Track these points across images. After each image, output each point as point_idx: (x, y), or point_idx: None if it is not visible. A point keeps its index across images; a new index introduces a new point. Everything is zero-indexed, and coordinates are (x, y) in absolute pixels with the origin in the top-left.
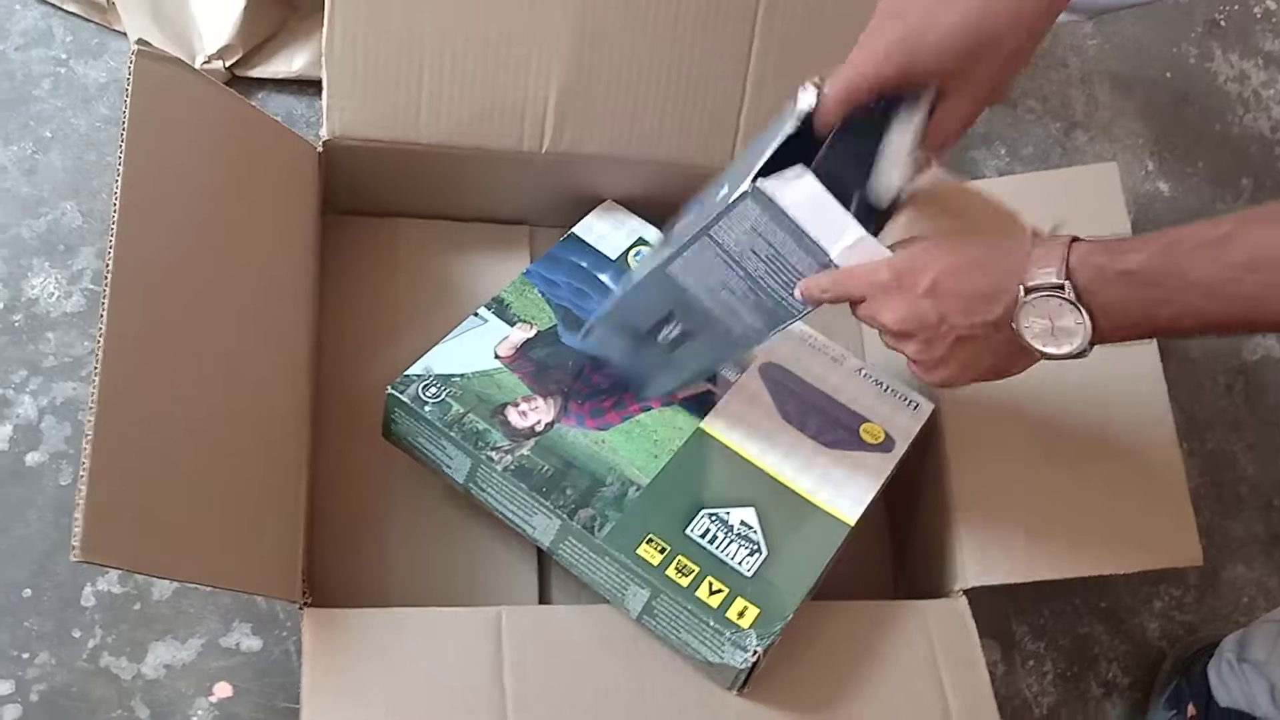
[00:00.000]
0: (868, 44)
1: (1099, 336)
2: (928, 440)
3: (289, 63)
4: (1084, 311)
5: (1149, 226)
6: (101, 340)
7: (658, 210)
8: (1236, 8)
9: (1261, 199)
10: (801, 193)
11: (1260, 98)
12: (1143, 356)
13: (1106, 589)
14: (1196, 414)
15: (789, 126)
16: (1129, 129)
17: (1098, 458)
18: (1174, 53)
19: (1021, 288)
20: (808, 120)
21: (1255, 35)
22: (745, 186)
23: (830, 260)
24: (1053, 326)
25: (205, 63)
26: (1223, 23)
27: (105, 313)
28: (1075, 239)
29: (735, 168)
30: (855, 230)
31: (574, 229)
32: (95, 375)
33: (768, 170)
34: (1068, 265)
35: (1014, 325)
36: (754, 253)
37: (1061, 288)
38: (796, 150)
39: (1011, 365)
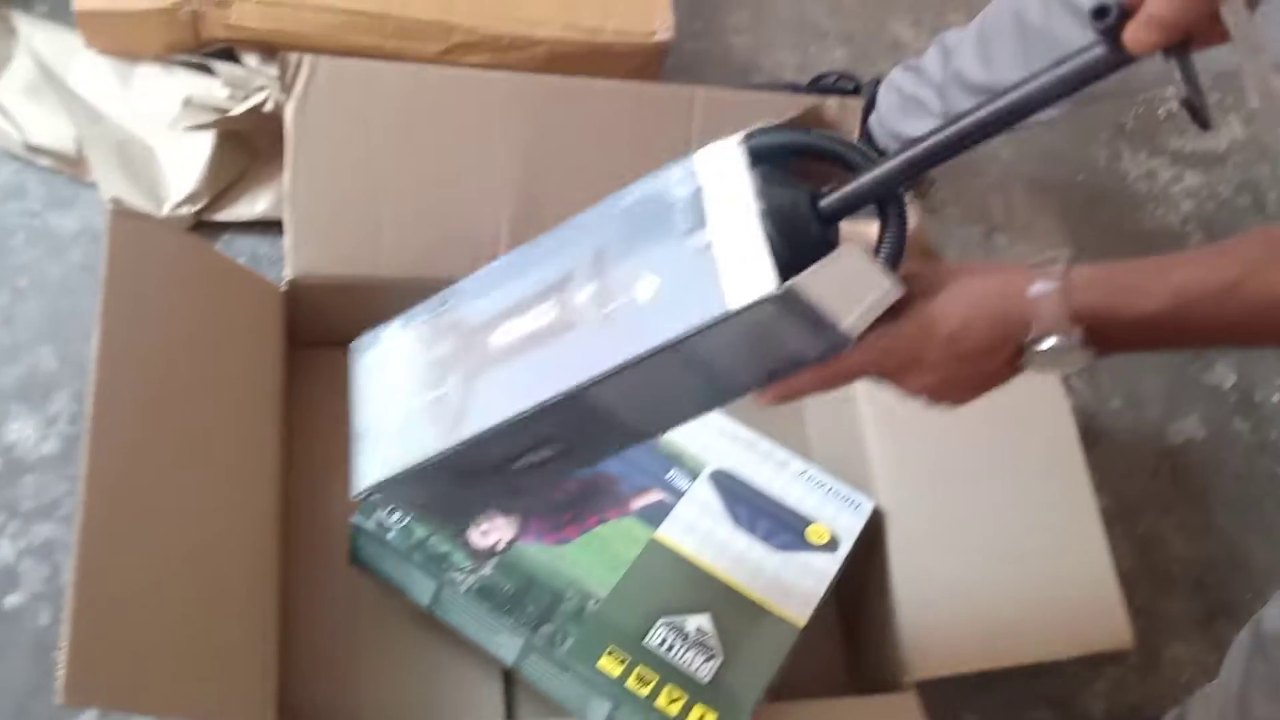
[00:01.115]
0: None
1: (1095, 361)
2: (872, 536)
3: (252, 206)
4: (1088, 348)
5: None
6: (82, 483)
7: None
8: (1142, 110)
9: None
10: (839, 272)
11: (1169, 194)
12: (1066, 451)
13: (1051, 674)
14: (1127, 497)
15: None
16: (1045, 229)
17: (1030, 549)
18: (1085, 155)
19: (1028, 340)
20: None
21: (1161, 134)
22: (768, 288)
23: (840, 335)
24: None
25: (173, 209)
26: (1129, 125)
27: (86, 456)
28: (1071, 275)
29: (611, 233)
30: (883, 280)
31: None
32: (76, 518)
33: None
34: (1073, 313)
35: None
36: (733, 348)
37: (1067, 335)
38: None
39: (1003, 381)
